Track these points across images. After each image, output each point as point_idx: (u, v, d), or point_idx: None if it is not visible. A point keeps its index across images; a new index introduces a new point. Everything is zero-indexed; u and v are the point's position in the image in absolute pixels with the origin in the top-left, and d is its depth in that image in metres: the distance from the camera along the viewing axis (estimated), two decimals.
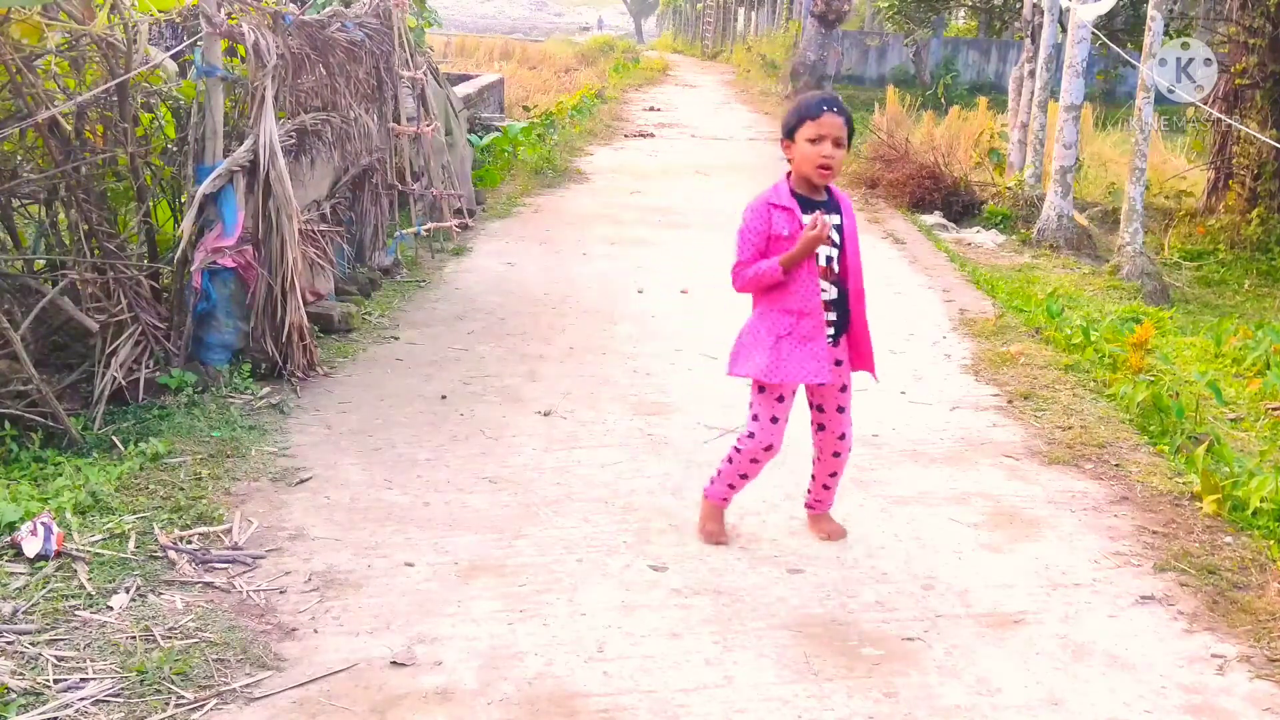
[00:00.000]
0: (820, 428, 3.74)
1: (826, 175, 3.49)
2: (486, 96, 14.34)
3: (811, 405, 3.73)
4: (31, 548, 3.35)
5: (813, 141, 3.45)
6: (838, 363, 3.64)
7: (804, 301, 3.53)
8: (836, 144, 3.46)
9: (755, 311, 3.63)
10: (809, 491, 3.91)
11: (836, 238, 3.56)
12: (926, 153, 12.01)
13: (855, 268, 3.61)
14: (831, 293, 3.58)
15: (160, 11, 4.88)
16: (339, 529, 3.75)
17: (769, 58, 28.45)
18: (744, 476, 3.76)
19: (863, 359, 3.69)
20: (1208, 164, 12.67)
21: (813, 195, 3.55)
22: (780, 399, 3.62)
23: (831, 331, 3.61)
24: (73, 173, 4.48)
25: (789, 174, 3.58)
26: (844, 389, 3.70)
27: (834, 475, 3.83)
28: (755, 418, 3.65)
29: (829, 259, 3.56)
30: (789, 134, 3.53)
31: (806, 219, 3.47)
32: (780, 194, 3.54)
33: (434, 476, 4.22)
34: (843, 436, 3.73)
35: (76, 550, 3.41)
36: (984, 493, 4.30)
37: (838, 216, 3.56)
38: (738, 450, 3.70)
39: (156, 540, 3.52)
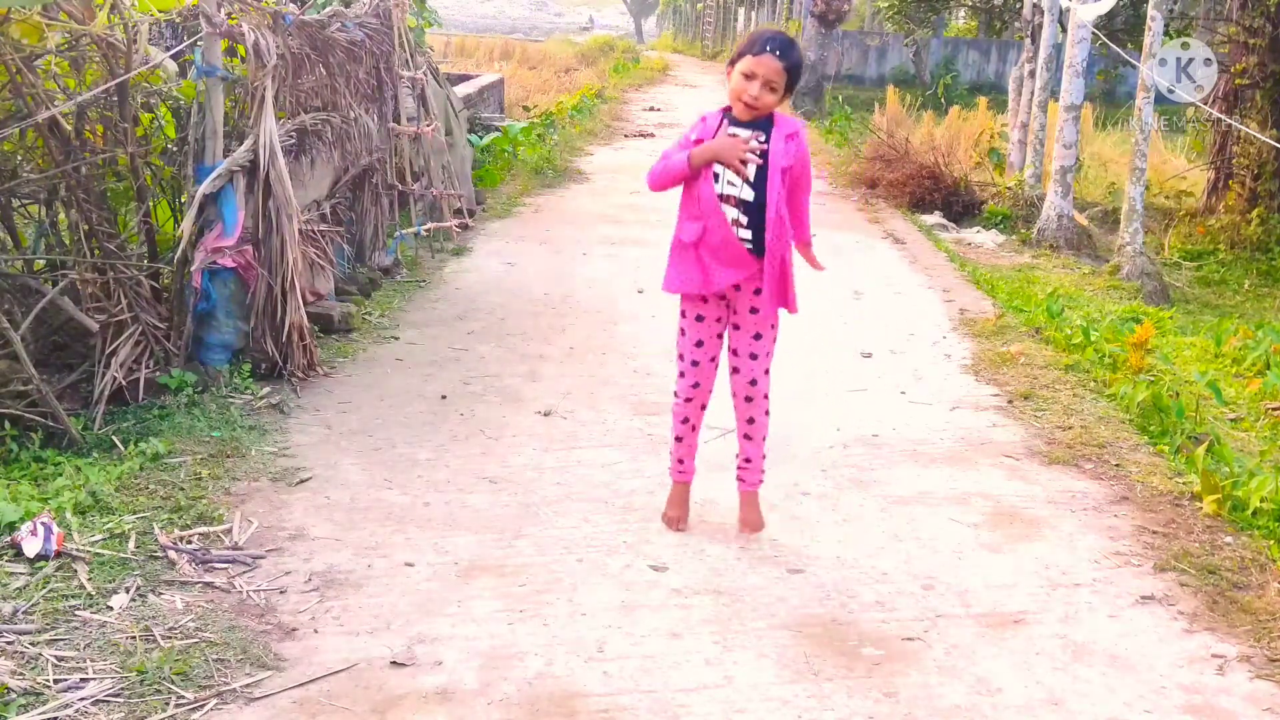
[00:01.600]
0: (734, 370, 3.76)
1: (748, 111, 3.51)
2: (486, 96, 14.33)
3: (729, 350, 3.77)
4: (31, 548, 3.35)
5: (746, 76, 3.49)
6: (754, 311, 3.65)
7: (714, 236, 3.56)
8: (767, 86, 3.47)
9: (674, 238, 3.71)
10: (736, 455, 3.88)
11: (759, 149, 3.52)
12: (926, 153, 12.01)
13: (777, 185, 3.53)
14: (747, 193, 3.55)
15: (160, 11, 4.87)
16: (339, 529, 3.75)
17: None
18: (686, 422, 3.81)
19: (775, 295, 3.65)
20: (1208, 164, 12.67)
21: (743, 118, 3.56)
22: (699, 343, 3.71)
23: (749, 238, 3.58)
24: (73, 173, 4.48)
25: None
26: (758, 336, 3.70)
27: (752, 423, 3.79)
28: (681, 357, 3.77)
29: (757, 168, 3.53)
30: (732, 62, 3.56)
31: (738, 132, 3.52)
32: (714, 113, 3.62)
33: (434, 476, 4.22)
34: (753, 382, 3.73)
35: (76, 550, 3.41)
36: (984, 493, 4.30)
37: (764, 135, 3.53)
38: (674, 394, 3.81)
39: (156, 540, 3.52)
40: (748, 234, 3.58)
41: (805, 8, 22.04)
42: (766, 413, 3.81)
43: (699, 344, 3.74)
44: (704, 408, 3.84)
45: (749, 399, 3.77)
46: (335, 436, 4.55)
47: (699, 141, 3.58)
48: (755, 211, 3.56)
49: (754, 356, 3.72)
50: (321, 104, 5.96)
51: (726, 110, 3.62)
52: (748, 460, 3.86)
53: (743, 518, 3.88)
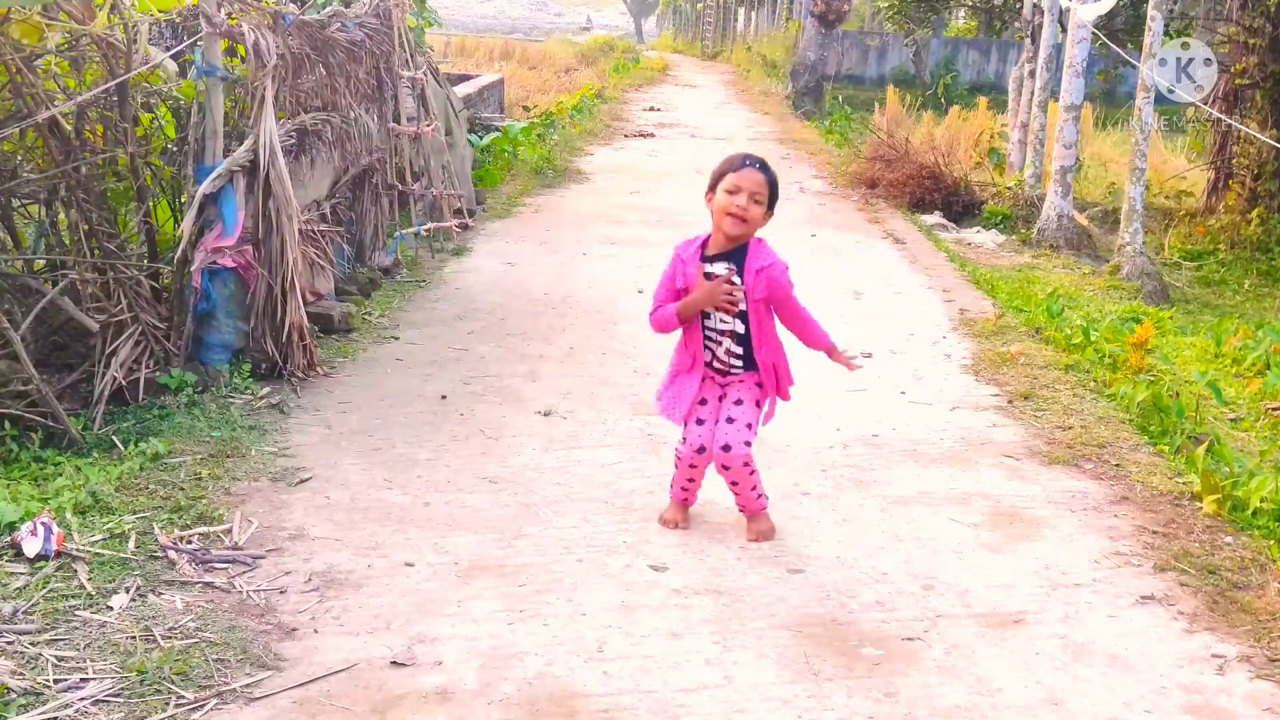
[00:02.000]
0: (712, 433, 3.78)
1: (737, 225, 3.56)
2: (486, 96, 14.34)
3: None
4: (31, 548, 3.35)
5: (730, 193, 3.56)
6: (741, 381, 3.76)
7: (693, 342, 3.74)
8: (754, 199, 3.54)
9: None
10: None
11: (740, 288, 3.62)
12: (926, 153, 12.01)
13: (759, 315, 3.66)
14: (738, 327, 3.68)
15: (160, 11, 4.87)
16: (339, 529, 3.75)
17: (769, 58, 28.46)
18: (692, 481, 3.89)
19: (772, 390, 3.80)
20: (1208, 164, 12.67)
21: (723, 248, 3.63)
22: (703, 401, 3.78)
23: (740, 365, 3.74)
24: (73, 173, 4.48)
25: (710, 231, 3.69)
26: (738, 401, 3.74)
27: (735, 485, 3.79)
28: (685, 422, 3.80)
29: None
30: (712, 186, 3.64)
31: (714, 268, 3.63)
32: (689, 247, 3.69)
33: (434, 476, 4.22)
34: (726, 448, 3.70)
35: (76, 550, 3.41)
36: (984, 493, 4.30)
37: (737, 268, 3.62)
38: (678, 458, 3.85)
39: (156, 540, 3.52)
40: (739, 363, 3.74)
41: (805, 8, 22.03)
42: (746, 477, 3.77)
43: (703, 402, 3.78)
44: (704, 469, 3.85)
45: (725, 466, 3.73)
46: (335, 436, 4.55)
47: (684, 290, 3.66)
48: (746, 341, 3.71)
49: (730, 420, 3.72)
50: (321, 104, 5.96)
51: (702, 244, 3.68)
52: (741, 507, 3.89)
53: (752, 531, 3.85)
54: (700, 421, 3.76)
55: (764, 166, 3.61)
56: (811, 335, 3.77)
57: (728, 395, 3.76)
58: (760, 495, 3.84)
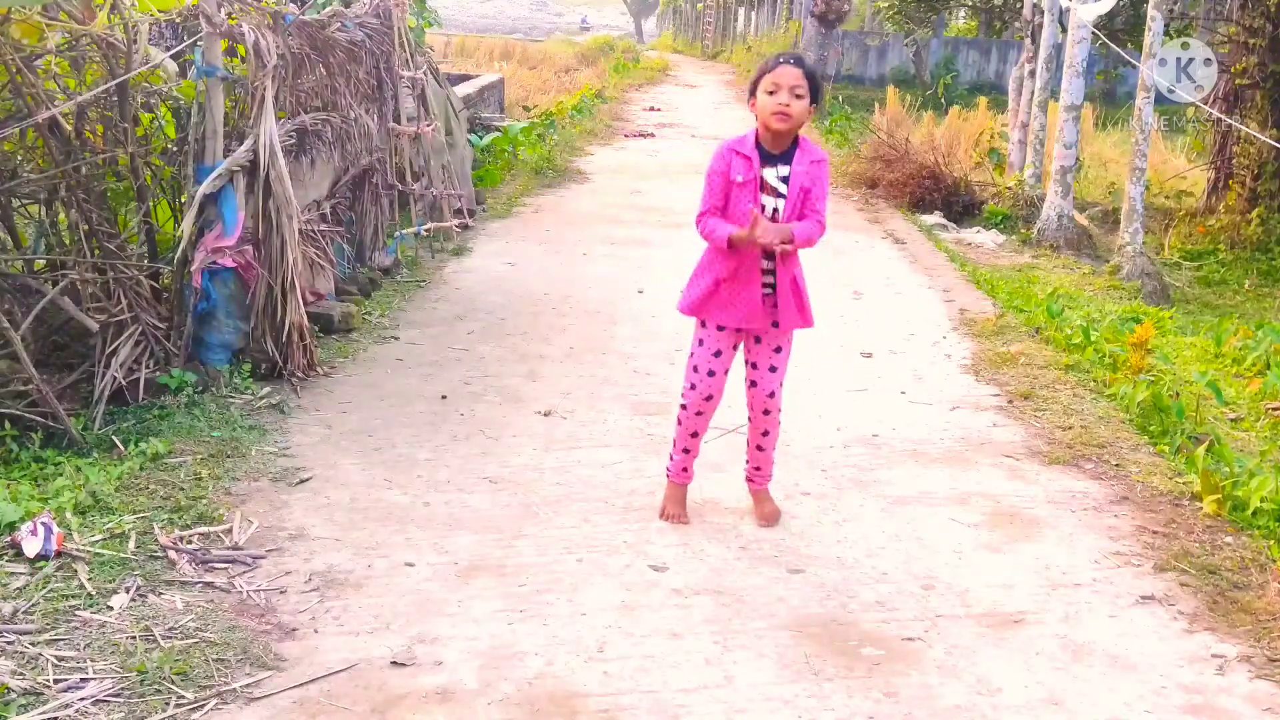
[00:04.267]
0: (752, 384, 3.84)
1: (783, 120, 3.56)
2: (486, 96, 14.33)
3: (747, 362, 3.84)
4: (31, 548, 3.35)
5: (770, 93, 3.57)
6: (775, 324, 3.74)
7: (743, 257, 3.65)
8: (795, 94, 3.55)
9: (705, 252, 3.77)
10: (746, 461, 3.99)
11: (783, 188, 3.62)
12: (926, 153, 12.01)
13: (794, 202, 3.62)
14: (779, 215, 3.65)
15: (160, 11, 4.87)
16: (339, 529, 3.75)
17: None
18: (694, 435, 3.90)
19: (789, 317, 3.74)
20: (1208, 164, 12.67)
21: (774, 147, 3.63)
22: (717, 353, 3.77)
23: (770, 281, 3.70)
24: (73, 173, 4.48)
25: (755, 129, 3.68)
26: (778, 349, 3.80)
27: (766, 435, 3.89)
28: (695, 369, 3.81)
29: (775, 210, 3.63)
30: (752, 92, 3.66)
31: (768, 174, 3.60)
32: (745, 143, 3.65)
33: (434, 476, 4.22)
34: (772, 395, 3.82)
35: (76, 550, 3.40)
36: (984, 493, 4.30)
37: (786, 167, 3.62)
38: (683, 408, 3.86)
39: (156, 540, 3.52)
40: (769, 264, 3.68)
41: (805, 8, 22.03)
42: (779, 424, 3.92)
43: (717, 354, 3.79)
44: (709, 420, 3.89)
45: (767, 412, 3.85)
46: (335, 436, 4.55)
47: (736, 184, 3.61)
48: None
49: (773, 369, 3.81)
50: (321, 104, 5.96)
51: (756, 141, 3.63)
52: (758, 468, 3.95)
53: (761, 512, 3.94)
54: (712, 373, 3.78)
55: (799, 60, 3.62)
56: (809, 224, 3.63)
57: (764, 342, 3.77)
58: (773, 463, 3.95)
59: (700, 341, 3.79)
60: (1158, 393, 5.29)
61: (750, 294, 3.67)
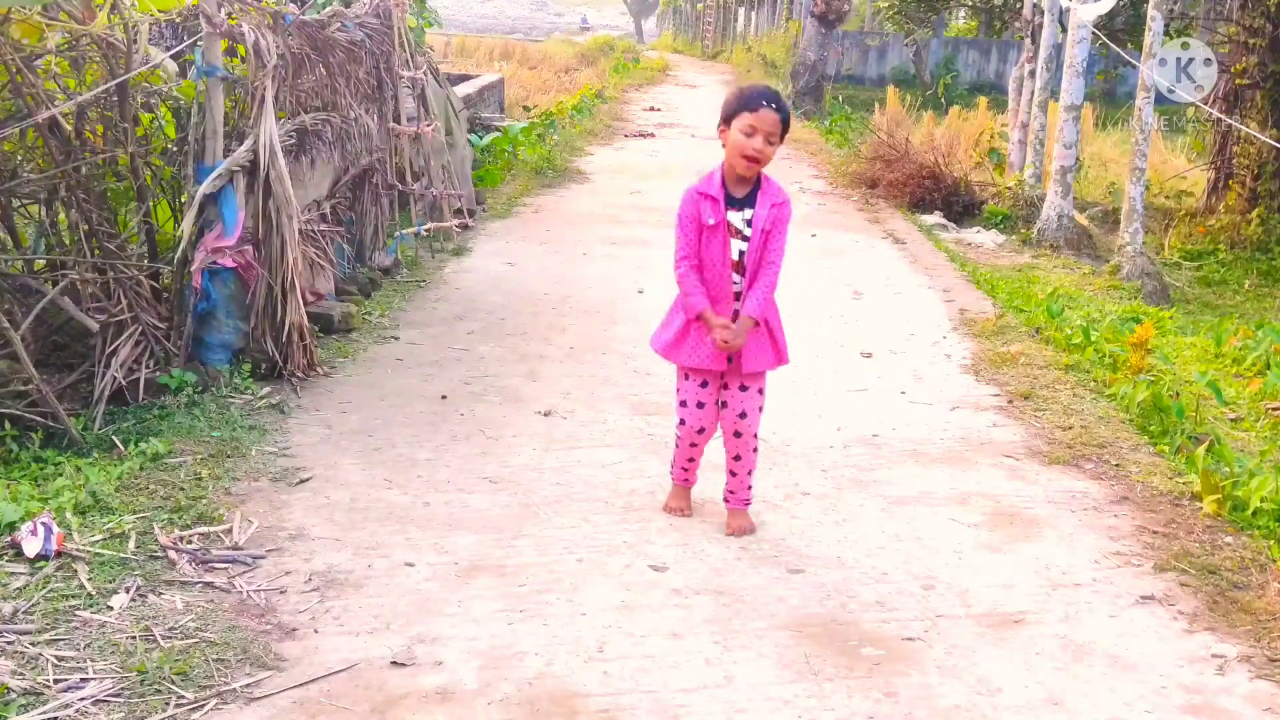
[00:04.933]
0: (723, 405, 3.83)
1: (753, 166, 3.62)
2: (486, 96, 14.33)
3: (721, 385, 3.83)
4: (31, 548, 3.35)
5: (746, 134, 3.59)
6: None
7: (716, 291, 3.70)
8: (769, 140, 3.59)
9: (679, 295, 3.80)
10: (725, 483, 3.94)
11: (747, 231, 3.66)
12: (926, 153, 12.00)
13: (755, 262, 3.66)
14: (741, 285, 3.70)
15: (160, 11, 4.87)
16: (339, 529, 3.75)
17: (769, 58, 28.44)
18: (692, 460, 3.96)
19: (760, 358, 3.75)
20: (1208, 164, 12.66)
21: (738, 188, 3.68)
22: (703, 384, 3.80)
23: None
24: (73, 173, 4.48)
25: (723, 163, 3.70)
26: (744, 388, 3.79)
27: (738, 459, 3.85)
28: (683, 404, 3.86)
29: (740, 252, 3.67)
30: (725, 121, 3.66)
31: (734, 219, 3.65)
32: (711, 184, 3.69)
33: (434, 476, 4.22)
34: (743, 415, 3.80)
35: (76, 550, 3.40)
36: (984, 493, 4.30)
37: (750, 210, 3.66)
38: (678, 438, 3.92)
39: (156, 540, 3.52)
40: (739, 306, 3.70)
41: (805, 8, 22.02)
42: (754, 450, 3.87)
43: (704, 384, 3.81)
44: (706, 444, 3.91)
45: (738, 434, 3.82)
46: (335, 436, 4.55)
47: (706, 227, 3.67)
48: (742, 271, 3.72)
49: (743, 389, 3.79)
50: (321, 104, 5.96)
51: (721, 182, 3.67)
52: (732, 491, 3.92)
53: (731, 525, 3.89)
54: (701, 405, 3.81)
55: (779, 105, 3.63)
56: (766, 274, 3.66)
57: (730, 381, 3.78)
58: (751, 487, 3.90)
59: (686, 376, 3.83)
60: (1158, 393, 5.29)
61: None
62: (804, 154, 14.75)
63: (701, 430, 3.84)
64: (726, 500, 3.92)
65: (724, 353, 3.68)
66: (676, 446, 3.94)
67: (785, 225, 3.70)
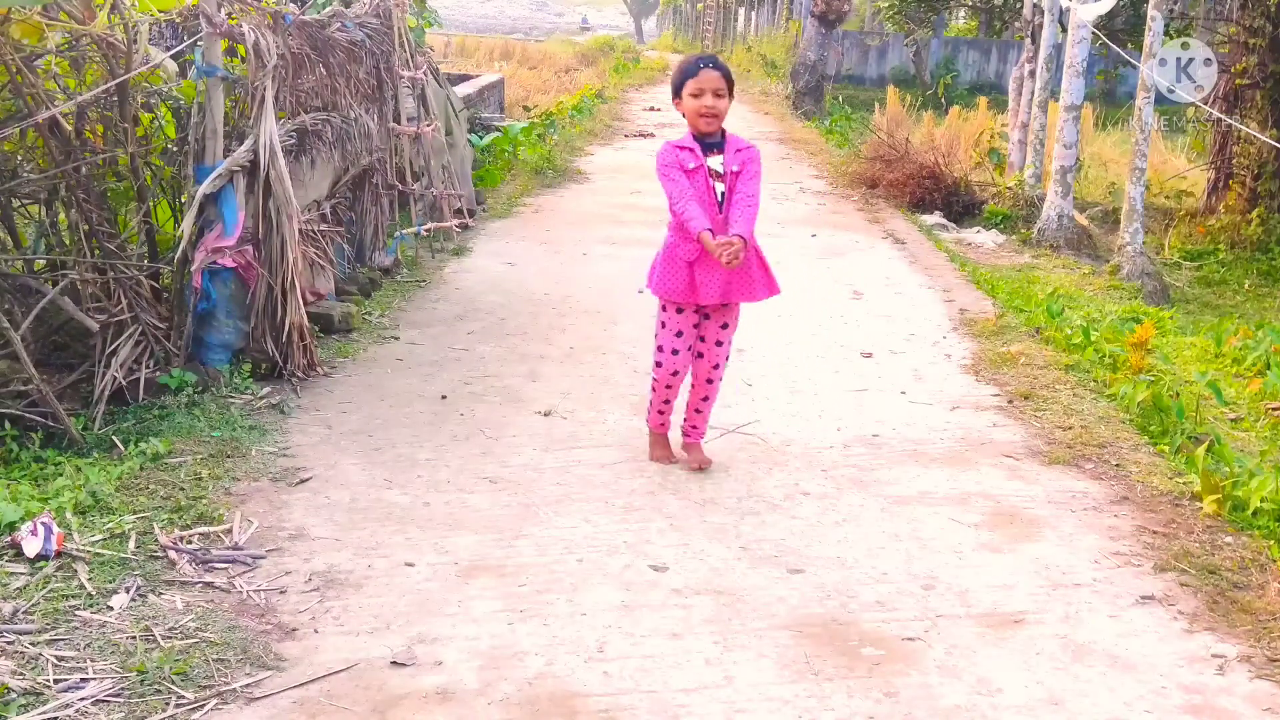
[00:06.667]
0: (699, 355, 4.26)
1: (710, 122, 4.01)
2: (486, 96, 14.33)
3: (696, 335, 4.22)
4: (31, 548, 3.35)
5: (695, 95, 3.99)
6: (725, 305, 4.16)
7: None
8: (716, 95, 4.00)
9: (668, 238, 4.14)
10: (685, 419, 4.41)
11: (722, 172, 4.03)
12: (926, 153, 12.00)
13: (735, 201, 4.01)
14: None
15: (160, 11, 4.88)
16: (339, 529, 3.75)
17: (769, 58, 28.45)
18: (668, 403, 4.35)
19: (761, 286, 4.13)
20: (1208, 164, 12.66)
21: (707, 139, 4.06)
22: (679, 334, 4.18)
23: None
24: (73, 173, 4.48)
25: (689, 131, 4.09)
26: (725, 325, 4.23)
27: (705, 400, 4.36)
28: (660, 348, 4.22)
29: (721, 193, 4.02)
30: (676, 93, 4.08)
31: (711, 161, 4.02)
32: (685, 140, 4.09)
33: (434, 476, 4.22)
34: (716, 366, 4.29)
35: (76, 550, 3.41)
36: (984, 493, 4.30)
37: (721, 156, 4.03)
38: (654, 379, 4.28)
39: (156, 540, 3.52)
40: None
41: (805, 8, 22.03)
42: (718, 390, 4.38)
43: (679, 334, 4.19)
44: (680, 386, 4.29)
45: (709, 380, 4.31)
46: (335, 436, 4.55)
47: (686, 170, 4.01)
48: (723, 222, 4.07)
49: (719, 344, 4.25)
50: (321, 104, 5.96)
51: (693, 138, 4.05)
52: (695, 426, 4.41)
53: (692, 459, 4.35)
54: (676, 352, 4.18)
55: (717, 63, 4.05)
56: (747, 206, 3.98)
57: (713, 318, 4.17)
58: (708, 422, 4.43)
59: (663, 324, 4.19)
60: (1158, 393, 5.29)
61: (722, 270, 3.98)
62: (804, 154, 14.75)
63: (676, 373, 4.21)
64: (687, 435, 4.39)
65: (720, 286, 4.01)
66: (653, 390, 4.30)
67: (756, 165, 4.06)
